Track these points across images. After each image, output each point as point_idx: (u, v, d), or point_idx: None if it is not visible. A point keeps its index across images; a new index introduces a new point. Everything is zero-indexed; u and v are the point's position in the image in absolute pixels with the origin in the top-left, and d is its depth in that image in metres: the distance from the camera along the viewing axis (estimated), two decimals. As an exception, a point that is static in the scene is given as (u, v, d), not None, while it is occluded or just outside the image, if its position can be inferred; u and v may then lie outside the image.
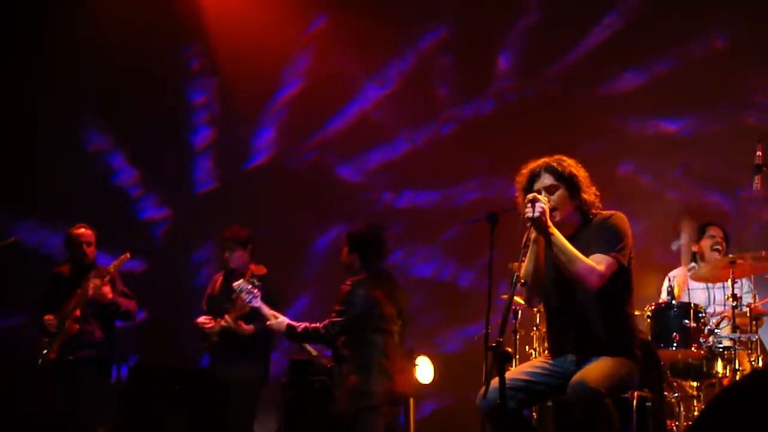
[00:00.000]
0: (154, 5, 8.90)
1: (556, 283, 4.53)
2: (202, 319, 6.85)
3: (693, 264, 7.02)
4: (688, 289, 6.93)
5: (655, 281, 7.25)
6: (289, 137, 9.29)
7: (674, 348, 6.06)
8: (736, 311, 6.12)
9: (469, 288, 8.66)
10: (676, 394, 6.30)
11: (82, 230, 7.15)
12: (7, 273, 7.99)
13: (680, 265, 7.18)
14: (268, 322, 6.01)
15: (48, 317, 6.91)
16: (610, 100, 8.56)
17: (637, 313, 5.35)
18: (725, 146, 7.99)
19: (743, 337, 6.09)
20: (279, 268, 7.25)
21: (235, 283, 6.18)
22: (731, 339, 6.09)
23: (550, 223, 4.37)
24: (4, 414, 7.15)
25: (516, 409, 4.44)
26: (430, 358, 7.64)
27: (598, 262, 4.37)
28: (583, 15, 8.66)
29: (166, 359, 8.35)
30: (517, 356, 6.81)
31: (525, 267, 4.47)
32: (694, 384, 6.37)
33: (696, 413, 6.24)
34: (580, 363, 4.43)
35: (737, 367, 6.06)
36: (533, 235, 4.45)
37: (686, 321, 6.07)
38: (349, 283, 5.92)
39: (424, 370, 7.57)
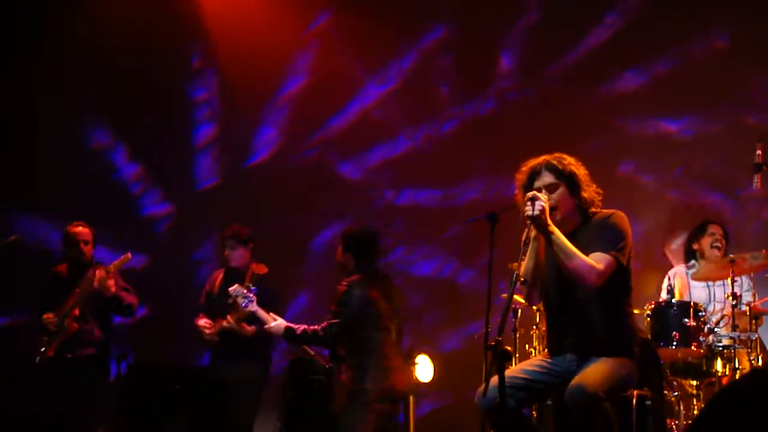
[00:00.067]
0: (155, 5, 8.90)
1: (555, 282, 4.54)
2: (202, 322, 6.84)
3: (693, 261, 7.03)
4: (689, 287, 6.94)
5: (655, 280, 7.27)
6: (290, 135, 9.30)
7: (674, 347, 6.07)
8: (735, 310, 6.13)
9: (470, 287, 8.66)
10: (676, 393, 6.31)
11: (80, 228, 7.12)
12: (8, 272, 8.00)
13: (680, 263, 7.20)
14: (265, 326, 6.04)
15: (47, 316, 6.90)
16: (611, 100, 8.56)
17: (636, 311, 5.36)
18: (725, 146, 7.99)
19: (743, 336, 6.10)
20: (280, 265, 7.25)
21: (231, 288, 6.24)
22: (731, 338, 6.10)
23: (550, 222, 4.37)
24: (4, 413, 7.14)
25: (515, 408, 4.45)
26: (430, 357, 7.63)
27: (597, 261, 4.38)
28: (584, 15, 8.66)
29: (166, 356, 8.37)
30: (517, 355, 6.81)
31: (525, 265, 4.48)
32: (694, 383, 6.37)
33: (696, 412, 6.25)
34: (580, 363, 4.44)
35: (737, 365, 6.07)
36: (533, 233, 4.46)
37: (686, 320, 6.08)
38: (345, 283, 5.94)
39: (423, 369, 7.56)
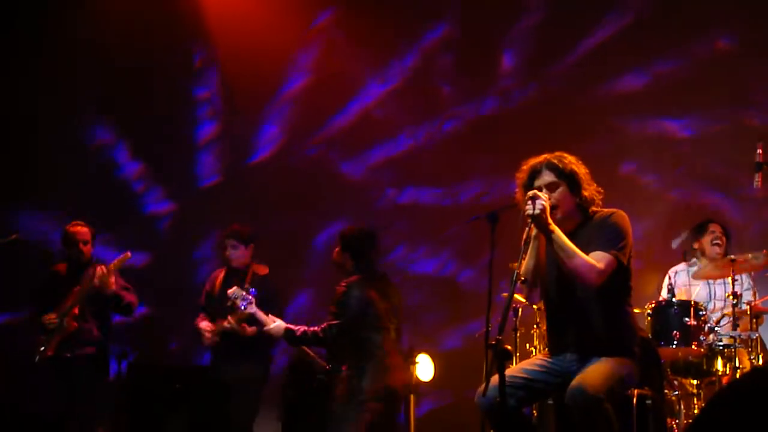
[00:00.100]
0: (155, 5, 8.90)
1: (556, 281, 4.53)
2: (203, 324, 6.82)
3: (694, 260, 7.04)
4: (690, 285, 6.95)
5: (656, 280, 7.27)
6: (291, 133, 9.30)
7: (674, 346, 6.06)
8: (736, 309, 6.13)
9: (470, 285, 8.66)
10: (677, 392, 6.31)
11: (79, 228, 7.09)
12: (8, 271, 8.00)
13: (681, 262, 7.20)
14: (265, 327, 6.04)
15: (49, 316, 6.87)
16: (612, 99, 8.56)
17: (637, 311, 5.36)
18: (726, 146, 7.99)
19: (743, 335, 6.10)
20: (280, 264, 7.26)
21: (230, 291, 6.25)
22: (731, 337, 6.09)
23: (550, 220, 4.37)
24: (3, 413, 7.14)
25: (516, 407, 4.44)
26: (431, 356, 7.63)
27: (598, 260, 4.37)
28: (585, 15, 8.66)
29: (166, 356, 8.36)
30: (517, 354, 6.81)
31: (525, 264, 4.47)
32: (695, 382, 6.37)
33: (696, 411, 6.24)
34: (580, 362, 4.43)
35: (737, 365, 6.07)
36: (534, 232, 4.45)
37: (686, 319, 6.08)
38: (343, 284, 5.94)
39: (424, 368, 7.56)
